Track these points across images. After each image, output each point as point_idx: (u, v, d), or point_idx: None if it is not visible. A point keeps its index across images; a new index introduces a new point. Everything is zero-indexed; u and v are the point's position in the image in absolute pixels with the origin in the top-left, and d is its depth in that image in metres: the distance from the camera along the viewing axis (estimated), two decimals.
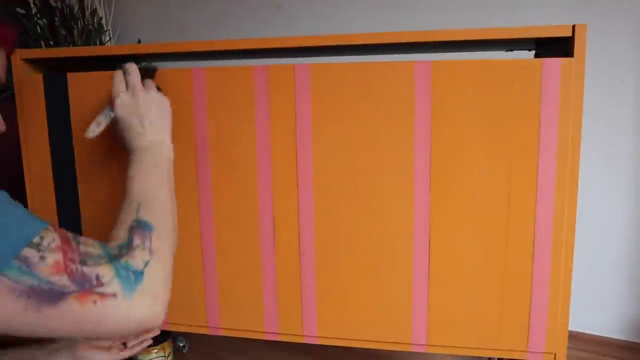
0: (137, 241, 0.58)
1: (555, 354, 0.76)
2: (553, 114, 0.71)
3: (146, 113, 0.71)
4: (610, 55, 1.14)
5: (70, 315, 0.49)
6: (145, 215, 0.62)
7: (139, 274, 0.54)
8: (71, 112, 0.86)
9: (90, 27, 1.55)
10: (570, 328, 0.84)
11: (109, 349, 0.85)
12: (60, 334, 0.51)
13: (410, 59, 0.75)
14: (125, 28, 1.71)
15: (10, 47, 0.66)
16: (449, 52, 0.95)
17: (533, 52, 0.92)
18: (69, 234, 0.54)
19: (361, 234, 0.79)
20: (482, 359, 1.00)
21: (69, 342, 0.80)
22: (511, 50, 0.96)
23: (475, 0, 1.26)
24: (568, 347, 0.78)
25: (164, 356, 1.04)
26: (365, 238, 0.79)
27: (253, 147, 0.80)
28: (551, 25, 0.71)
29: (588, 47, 0.70)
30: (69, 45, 1.52)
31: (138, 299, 0.53)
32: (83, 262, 0.51)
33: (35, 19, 1.48)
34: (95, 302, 0.50)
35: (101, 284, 0.51)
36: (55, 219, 0.89)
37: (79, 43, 1.53)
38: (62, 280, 0.49)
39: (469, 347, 0.79)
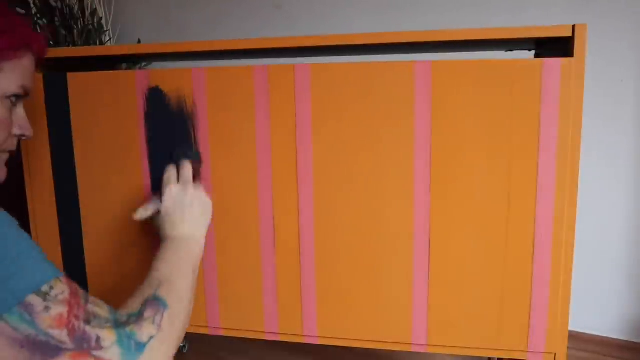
0: (148, 313, 0.57)
1: (555, 354, 0.76)
2: (553, 114, 0.71)
3: (190, 207, 0.74)
4: (610, 55, 1.15)
5: None
6: (163, 294, 0.62)
7: (141, 346, 0.53)
8: (71, 112, 0.86)
9: (90, 27, 1.55)
10: (570, 328, 0.84)
11: None
12: None
13: (410, 59, 0.75)
14: (125, 28, 1.71)
15: (38, 53, 0.66)
16: (449, 52, 0.95)
17: (533, 52, 0.92)
18: (81, 291, 0.53)
19: (361, 233, 0.79)
20: (482, 359, 1.00)
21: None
22: (511, 50, 0.96)
23: (475, 0, 1.26)
24: (568, 347, 0.78)
25: None
26: (365, 238, 0.79)
27: (253, 147, 0.80)
28: (551, 25, 0.71)
29: (588, 47, 0.70)
30: (69, 45, 1.52)
31: None
32: (87, 321, 0.50)
33: (35, 19, 1.48)
34: None
35: (100, 347, 0.49)
36: (55, 219, 0.90)
37: (79, 43, 1.53)
38: (62, 335, 0.48)
39: (469, 347, 0.79)
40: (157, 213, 0.76)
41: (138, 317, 0.56)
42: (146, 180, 0.85)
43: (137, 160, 0.84)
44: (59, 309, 0.48)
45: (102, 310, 0.53)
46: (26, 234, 0.51)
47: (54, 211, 0.89)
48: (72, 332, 0.48)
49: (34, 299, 0.47)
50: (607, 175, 1.20)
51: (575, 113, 0.71)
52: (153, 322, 0.56)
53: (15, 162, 0.95)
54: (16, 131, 0.65)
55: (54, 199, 0.89)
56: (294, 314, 0.83)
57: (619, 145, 1.18)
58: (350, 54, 0.99)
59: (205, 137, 0.82)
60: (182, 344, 1.15)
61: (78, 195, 0.88)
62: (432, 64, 0.73)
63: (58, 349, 0.47)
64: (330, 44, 0.78)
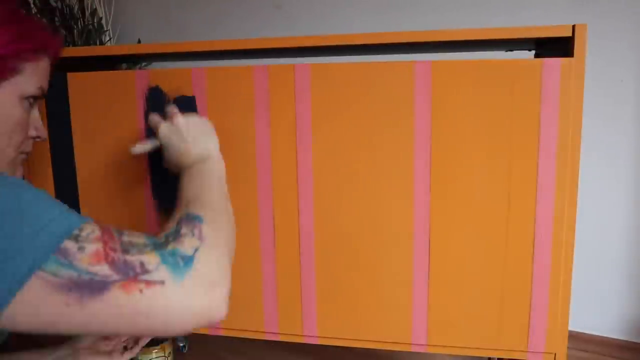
0: (185, 229, 0.55)
1: (555, 354, 0.76)
2: (553, 114, 0.71)
3: (187, 132, 0.72)
4: (610, 55, 1.15)
5: (117, 307, 0.46)
6: (194, 210, 0.59)
7: (188, 259, 0.50)
8: (71, 112, 0.86)
9: (90, 27, 1.55)
10: (570, 328, 0.84)
11: (109, 353, 0.84)
12: (111, 330, 0.48)
13: (410, 59, 0.75)
14: (125, 28, 1.71)
15: (54, 55, 0.67)
16: (449, 52, 0.95)
17: (533, 52, 0.92)
18: (112, 227, 0.52)
19: (361, 233, 0.79)
20: (482, 359, 1.00)
21: (71, 349, 0.80)
22: (511, 50, 0.96)
23: (475, 0, 1.26)
24: (568, 347, 0.78)
25: (164, 356, 1.04)
26: (365, 238, 0.79)
27: (253, 147, 0.80)
28: (551, 25, 0.71)
29: (588, 47, 0.70)
30: (69, 45, 1.52)
31: (191, 287, 0.49)
32: (125, 251, 0.49)
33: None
34: (141, 290, 0.46)
35: (146, 271, 0.48)
36: None
37: (79, 43, 1.53)
38: (103, 269, 0.46)
39: (469, 347, 0.79)
40: (158, 150, 0.75)
41: (175, 235, 0.54)
42: (146, 180, 0.85)
43: (137, 160, 0.84)
44: (93, 246, 0.48)
45: (138, 238, 0.52)
46: (38, 189, 0.51)
47: None
48: (112, 264, 0.47)
49: (67, 244, 0.46)
50: (607, 175, 1.20)
51: (575, 113, 0.71)
52: (193, 235, 0.54)
53: None
54: (32, 132, 0.66)
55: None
56: (294, 314, 0.83)
57: (619, 145, 1.18)
58: (350, 54, 0.99)
59: None
60: (181, 344, 1.15)
61: (78, 195, 0.88)
62: (432, 64, 0.73)
63: (105, 283, 0.46)
64: (330, 44, 0.78)
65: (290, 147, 0.79)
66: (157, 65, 1.45)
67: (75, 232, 0.48)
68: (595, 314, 1.26)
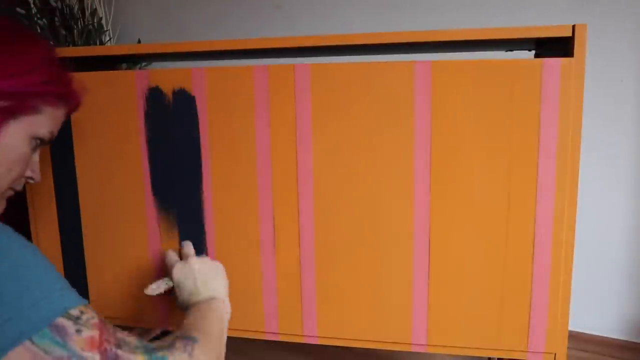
0: (179, 344, 0.58)
1: (555, 354, 0.76)
2: (553, 114, 0.71)
3: (199, 274, 0.75)
4: (610, 55, 1.14)
5: None
6: (191, 333, 0.62)
7: None
8: None
9: (90, 27, 1.55)
10: (570, 328, 0.84)
11: None
12: None
13: (410, 59, 0.75)
14: (125, 28, 1.71)
15: (73, 108, 0.70)
16: (449, 52, 0.95)
17: (533, 52, 0.92)
18: (106, 320, 0.54)
19: (361, 234, 0.79)
20: (482, 359, 1.00)
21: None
22: (511, 50, 0.96)
23: (475, 0, 1.26)
24: (568, 347, 0.78)
25: None
26: (365, 238, 0.79)
27: (253, 147, 0.80)
28: (551, 25, 0.71)
29: (588, 47, 0.70)
30: (69, 45, 1.52)
31: None
32: (118, 346, 0.50)
33: (35, 19, 1.48)
34: None
35: None
36: (55, 219, 0.89)
37: (79, 43, 1.53)
38: (95, 358, 0.48)
39: (469, 347, 0.79)
40: (170, 291, 0.78)
41: (168, 347, 0.57)
42: (146, 180, 0.85)
43: (137, 161, 0.84)
44: (90, 332, 0.49)
45: (130, 338, 0.54)
46: (46, 259, 0.52)
47: (54, 211, 0.89)
48: (104, 354, 0.48)
49: (64, 322, 0.47)
50: (607, 175, 1.20)
51: (575, 113, 0.71)
52: (184, 352, 0.57)
53: None
54: (28, 173, 0.67)
55: (54, 199, 0.89)
56: (294, 314, 0.83)
57: (619, 145, 1.18)
58: (350, 54, 0.99)
59: (205, 137, 0.82)
60: None
61: (78, 195, 0.88)
62: (432, 64, 0.73)
63: None
64: (330, 44, 0.78)
65: (290, 147, 0.79)
66: (157, 65, 1.45)
67: (75, 312, 0.49)
68: (595, 314, 1.26)
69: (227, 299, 0.76)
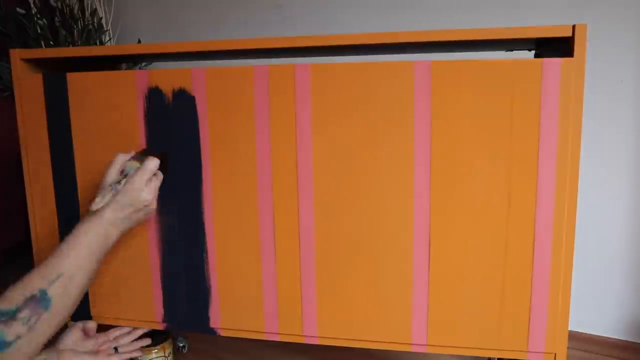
0: (23, 313, 0.59)
1: (555, 354, 0.76)
2: (553, 114, 0.71)
3: (139, 204, 0.74)
4: (610, 55, 1.14)
5: None
6: (54, 292, 0.63)
7: (4, 346, 0.57)
8: (71, 112, 0.86)
9: (90, 27, 1.55)
10: (570, 328, 0.84)
11: (95, 353, 0.84)
12: None
13: (410, 59, 0.75)
14: (125, 28, 1.71)
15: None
16: (449, 52, 0.95)
17: (533, 52, 0.92)
18: None
19: (361, 234, 0.79)
20: (482, 359, 1.00)
21: (54, 352, 0.80)
22: (511, 50, 0.96)
23: (475, 0, 1.26)
24: (568, 347, 0.78)
25: (164, 356, 1.04)
26: (365, 238, 0.79)
27: (253, 147, 0.80)
28: (551, 25, 0.71)
29: (588, 47, 0.70)
30: (69, 45, 1.52)
31: None
32: None
33: (35, 19, 1.48)
34: None
35: None
36: (55, 219, 0.90)
37: (79, 43, 1.53)
38: None
39: (469, 347, 0.79)
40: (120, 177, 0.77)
41: (11, 315, 0.58)
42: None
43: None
44: None
45: None
46: None
47: (54, 211, 0.89)
48: None
49: None
50: (607, 175, 1.20)
51: (575, 113, 0.71)
52: (25, 323, 0.59)
53: (15, 160, 0.95)
54: None
55: (54, 199, 0.89)
56: (294, 314, 0.83)
57: (619, 146, 1.18)
58: (350, 54, 0.98)
59: (206, 137, 0.82)
60: (181, 344, 1.15)
61: (78, 195, 0.88)
62: (432, 64, 0.73)
63: None
64: (331, 44, 0.78)
65: (290, 147, 0.79)
66: (157, 65, 1.45)
67: None
68: (595, 314, 1.26)
69: (121, 232, 0.75)
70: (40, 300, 0.61)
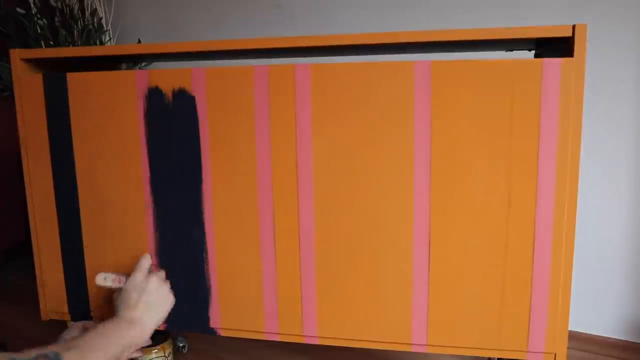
0: None
1: (555, 354, 0.76)
2: (553, 114, 0.71)
3: (148, 294, 0.77)
4: (610, 55, 1.14)
5: None
6: (66, 349, 0.63)
7: None
8: (71, 112, 0.86)
9: (90, 27, 1.55)
10: (570, 328, 0.84)
11: None
12: None
13: (410, 59, 0.75)
14: (125, 28, 1.71)
15: None
16: (449, 52, 0.95)
17: (533, 52, 0.92)
18: None
19: (361, 234, 0.79)
20: (482, 359, 1.00)
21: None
22: (511, 50, 0.96)
23: (475, 0, 1.26)
24: (568, 347, 0.78)
25: (164, 356, 1.04)
26: (365, 238, 0.79)
27: (253, 147, 0.80)
28: (551, 25, 0.71)
29: (588, 47, 0.70)
30: (69, 45, 1.52)
31: None
32: None
33: (35, 19, 1.48)
34: None
35: None
36: (55, 219, 0.89)
37: (79, 43, 1.53)
38: None
39: (469, 347, 0.79)
40: (118, 291, 0.80)
41: None
42: (146, 180, 0.85)
43: (137, 160, 0.84)
44: None
45: None
46: None
47: (54, 211, 0.89)
48: None
49: None
50: (607, 175, 1.20)
51: (575, 113, 0.71)
52: None
53: (15, 160, 0.95)
54: None
55: (53, 198, 0.89)
56: (294, 314, 0.83)
57: (619, 145, 1.18)
58: (350, 54, 0.99)
59: (206, 137, 0.82)
60: (181, 344, 1.15)
61: (77, 195, 0.88)
62: (432, 64, 0.73)
63: None
64: (331, 44, 0.78)
65: (290, 147, 0.79)
66: (157, 65, 1.45)
67: None
68: (595, 314, 1.26)
69: (148, 333, 0.77)
70: (52, 358, 0.61)
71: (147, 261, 0.82)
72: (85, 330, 0.87)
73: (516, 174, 0.73)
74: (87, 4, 1.58)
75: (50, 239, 0.90)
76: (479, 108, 0.73)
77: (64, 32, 1.51)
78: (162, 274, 0.83)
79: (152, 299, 0.78)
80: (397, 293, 0.79)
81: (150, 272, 0.81)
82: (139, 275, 0.79)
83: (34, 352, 0.60)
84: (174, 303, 0.81)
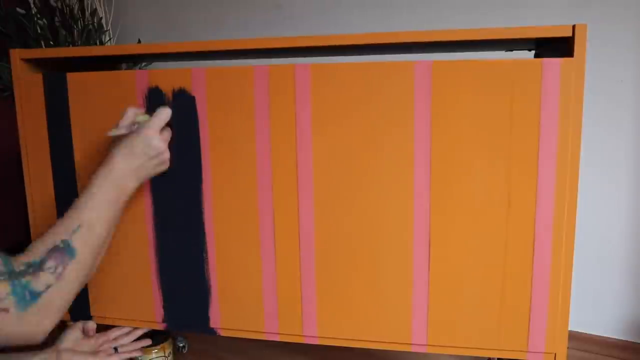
0: (50, 263, 0.60)
1: (555, 354, 0.76)
2: (553, 114, 0.71)
3: (149, 148, 0.74)
4: (610, 55, 1.14)
5: None
6: (77, 242, 0.63)
7: (36, 294, 0.57)
8: (71, 112, 0.86)
9: (90, 27, 1.55)
10: (570, 328, 0.84)
11: (95, 353, 0.84)
12: None
13: (410, 59, 0.75)
14: (125, 28, 1.71)
15: None
16: (449, 52, 0.95)
17: (533, 52, 0.92)
18: None
19: (361, 234, 0.79)
20: (482, 359, 1.00)
21: (54, 352, 0.80)
22: (511, 50, 0.96)
23: (475, 0, 1.26)
24: (568, 347, 0.78)
25: (164, 356, 1.04)
26: (365, 238, 0.79)
27: (253, 147, 0.80)
28: (551, 25, 0.71)
29: (588, 47, 0.70)
30: (69, 45, 1.52)
31: (28, 317, 0.55)
32: None
33: (35, 19, 1.48)
34: None
35: None
36: (55, 219, 0.89)
37: (79, 43, 1.53)
38: None
39: (469, 347, 0.79)
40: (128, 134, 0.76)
41: (37, 267, 0.59)
42: (146, 180, 0.84)
43: None
44: None
45: None
46: None
47: (53, 211, 0.89)
48: None
49: None
50: (607, 175, 1.20)
51: (575, 113, 0.71)
52: (53, 272, 0.59)
53: (15, 160, 0.95)
54: None
55: (54, 198, 0.89)
56: (294, 314, 0.83)
57: (619, 146, 1.18)
58: (351, 54, 0.99)
59: (206, 137, 0.82)
60: (181, 344, 1.15)
61: (77, 195, 0.88)
62: (432, 64, 0.73)
63: None
64: (331, 44, 0.78)
65: (290, 147, 0.79)
66: (157, 65, 1.45)
67: None
68: (595, 314, 1.26)
69: (141, 181, 0.75)
70: (64, 249, 0.61)
71: (167, 113, 0.77)
72: (85, 330, 0.87)
73: (516, 174, 0.73)
74: (87, 4, 1.58)
75: None
76: (478, 108, 0.73)
77: (64, 32, 1.51)
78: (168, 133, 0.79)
79: (152, 152, 0.75)
80: (397, 293, 0.79)
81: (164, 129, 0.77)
82: (152, 131, 0.74)
83: (40, 249, 0.61)
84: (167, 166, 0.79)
